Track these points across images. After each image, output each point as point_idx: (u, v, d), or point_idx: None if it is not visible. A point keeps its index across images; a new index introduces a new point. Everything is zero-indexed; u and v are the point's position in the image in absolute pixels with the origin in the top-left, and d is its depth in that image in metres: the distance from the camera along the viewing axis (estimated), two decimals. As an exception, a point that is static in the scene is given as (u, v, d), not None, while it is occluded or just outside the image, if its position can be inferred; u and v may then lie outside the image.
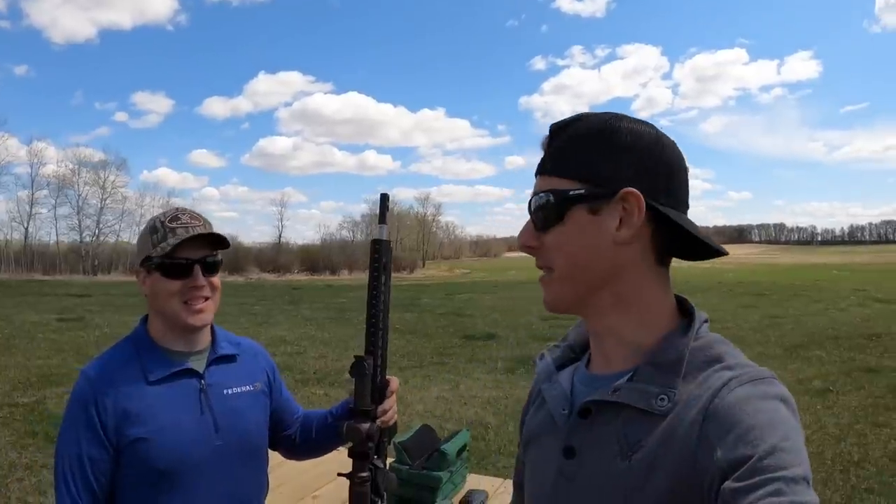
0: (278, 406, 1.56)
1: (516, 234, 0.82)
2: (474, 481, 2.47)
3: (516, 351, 9.98)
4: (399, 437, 2.25)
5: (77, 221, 43.02)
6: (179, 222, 1.36)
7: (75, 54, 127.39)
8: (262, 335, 11.00)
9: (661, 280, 0.78)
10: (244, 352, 1.52)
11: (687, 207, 0.78)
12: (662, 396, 0.71)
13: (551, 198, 0.76)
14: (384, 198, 1.26)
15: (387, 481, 1.22)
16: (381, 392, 1.24)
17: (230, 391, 1.43)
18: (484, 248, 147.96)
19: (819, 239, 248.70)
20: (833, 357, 9.29)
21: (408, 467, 2.21)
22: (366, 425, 1.18)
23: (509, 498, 2.26)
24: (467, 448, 2.45)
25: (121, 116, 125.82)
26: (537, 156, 0.81)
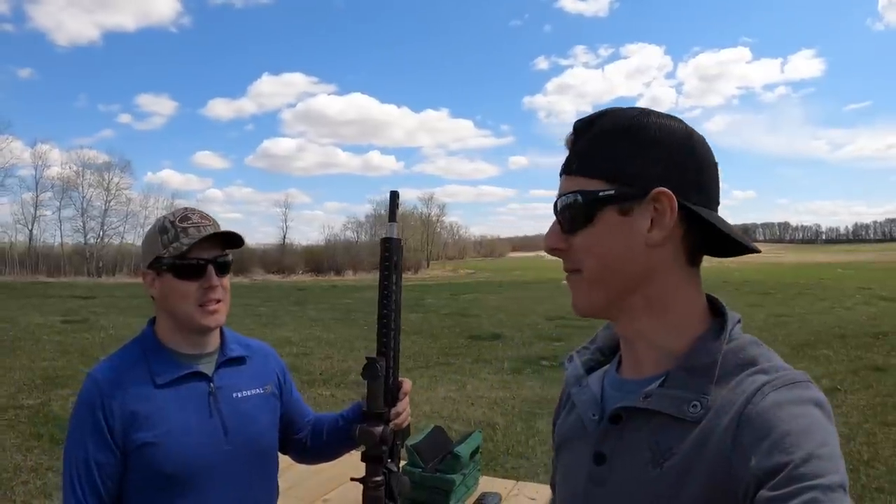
0: (289, 408, 1.53)
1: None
2: (486, 483, 2.44)
3: (522, 351, 9.96)
4: (411, 439, 2.22)
5: (81, 223, 43.14)
6: (190, 222, 1.32)
7: (79, 57, 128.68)
8: (267, 336, 10.94)
9: (692, 281, 0.76)
10: (254, 353, 1.49)
11: (717, 204, 0.75)
12: (695, 403, 0.69)
13: (579, 199, 0.73)
14: (394, 195, 1.23)
15: (400, 485, 1.20)
16: (393, 394, 1.22)
17: (240, 394, 1.40)
18: (488, 248, 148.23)
19: (823, 237, 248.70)
20: (840, 356, 9.25)
21: (420, 470, 2.18)
22: (379, 428, 1.15)
23: (522, 500, 2.26)
24: (480, 450, 2.42)
25: (125, 118, 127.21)
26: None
